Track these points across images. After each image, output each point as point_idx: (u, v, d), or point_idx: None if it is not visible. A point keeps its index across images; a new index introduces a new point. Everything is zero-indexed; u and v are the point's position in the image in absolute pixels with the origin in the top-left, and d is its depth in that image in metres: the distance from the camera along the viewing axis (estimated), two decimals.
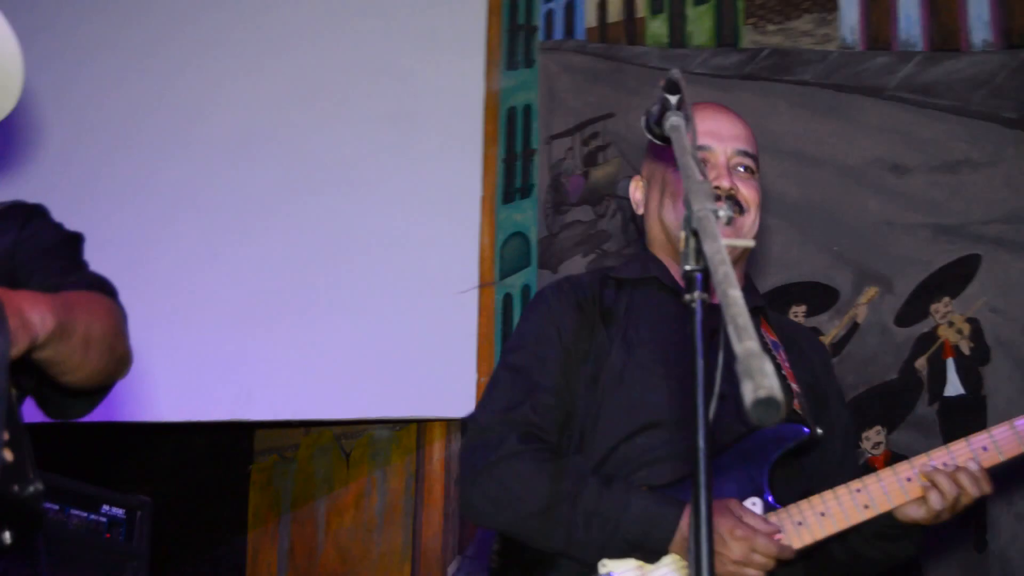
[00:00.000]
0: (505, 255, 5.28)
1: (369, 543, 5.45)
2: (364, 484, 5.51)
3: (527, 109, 5.42)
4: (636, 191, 3.10)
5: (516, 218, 5.32)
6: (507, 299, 5.22)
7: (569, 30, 5.49)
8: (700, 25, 5.29)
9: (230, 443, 5.81)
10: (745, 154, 2.97)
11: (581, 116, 5.39)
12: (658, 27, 5.37)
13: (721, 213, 1.77)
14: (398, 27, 5.48)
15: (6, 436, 2.00)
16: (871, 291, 4.61)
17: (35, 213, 2.71)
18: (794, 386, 2.92)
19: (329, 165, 5.25)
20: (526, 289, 5.21)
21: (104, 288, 2.52)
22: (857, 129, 4.77)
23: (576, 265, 5.19)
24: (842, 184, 4.73)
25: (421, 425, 5.32)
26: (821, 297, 4.67)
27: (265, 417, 5.26)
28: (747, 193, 2.93)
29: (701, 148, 2.89)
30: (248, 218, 5.15)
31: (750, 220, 2.94)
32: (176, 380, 4.61)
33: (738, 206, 2.90)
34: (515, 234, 5.30)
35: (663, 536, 2.61)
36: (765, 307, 3.08)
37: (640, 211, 3.09)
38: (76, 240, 2.71)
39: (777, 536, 2.60)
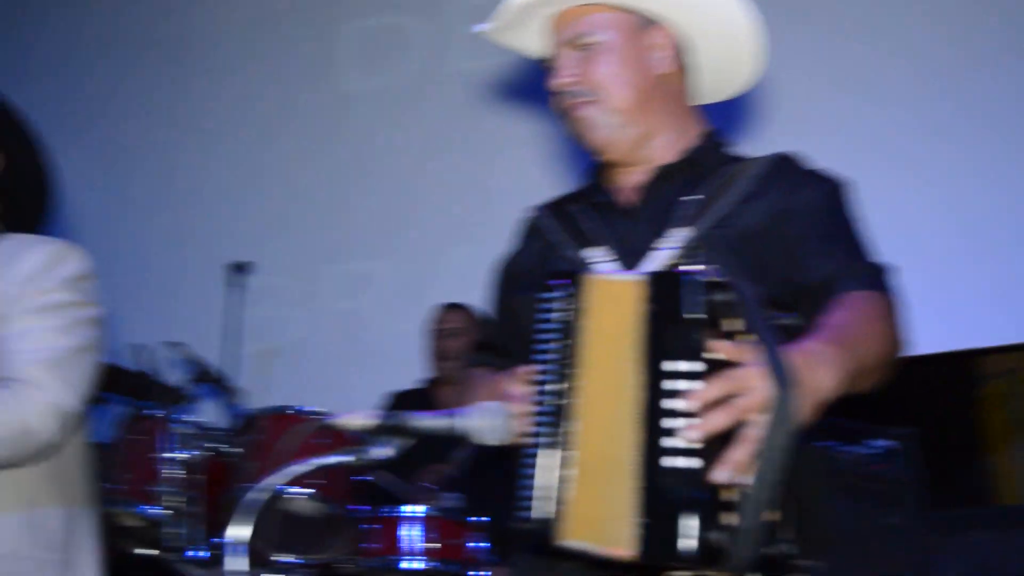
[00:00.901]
0: None
1: None
2: None
3: None
4: None
5: None
6: None
7: None
8: None
9: (959, 370, 5.96)
10: None
11: None
12: None
13: None
14: None
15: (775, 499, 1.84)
16: None
17: (804, 170, 2.30)
18: None
19: None
20: None
21: (878, 283, 2.19)
22: None
23: None
24: None
25: None
26: None
27: (994, 343, 5.37)
28: None
29: None
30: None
31: None
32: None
33: None
34: None
35: None
36: None
37: None
38: (845, 199, 2.27)
39: None
